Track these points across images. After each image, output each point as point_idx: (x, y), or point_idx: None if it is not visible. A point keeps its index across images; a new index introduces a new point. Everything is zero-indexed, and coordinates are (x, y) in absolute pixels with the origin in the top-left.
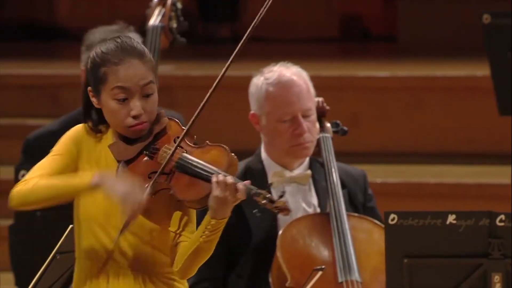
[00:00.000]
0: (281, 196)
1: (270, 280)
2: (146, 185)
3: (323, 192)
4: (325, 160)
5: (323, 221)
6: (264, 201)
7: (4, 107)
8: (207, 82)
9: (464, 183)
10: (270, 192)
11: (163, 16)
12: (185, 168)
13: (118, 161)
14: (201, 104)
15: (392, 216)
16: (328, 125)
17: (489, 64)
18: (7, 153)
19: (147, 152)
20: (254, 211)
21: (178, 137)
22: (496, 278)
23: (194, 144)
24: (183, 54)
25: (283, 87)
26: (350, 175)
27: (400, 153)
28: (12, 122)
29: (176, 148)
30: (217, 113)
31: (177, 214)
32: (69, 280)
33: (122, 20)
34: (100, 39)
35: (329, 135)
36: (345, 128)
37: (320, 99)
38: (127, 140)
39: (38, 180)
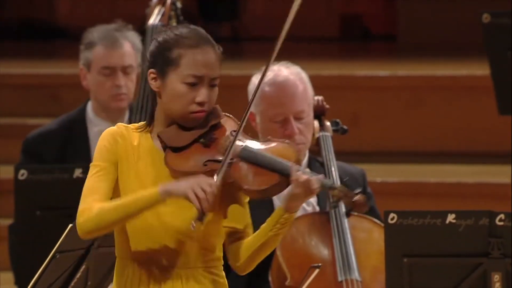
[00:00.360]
0: (355, 191)
1: (270, 279)
2: (215, 175)
3: (322, 191)
4: (324, 159)
5: (322, 220)
6: (341, 195)
7: (4, 107)
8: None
9: (464, 182)
10: (347, 186)
11: (162, 15)
12: (250, 158)
13: (165, 150)
14: (251, 98)
15: (392, 215)
16: (328, 124)
17: (489, 63)
18: (7, 152)
19: (203, 140)
20: (330, 204)
21: (234, 131)
22: (496, 277)
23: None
24: None
25: (278, 87)
26: (349, 174)
27: (400, 153)
28: (12, 121)
29: (237, 135)
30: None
31: (237, 211)
32: (69, 279)
33: (122, 20)
34: (98, 38)
35: (329, 134)
36: (345, 127)
37: (320, 97)
38: (181, 127)
39: (101, 206)
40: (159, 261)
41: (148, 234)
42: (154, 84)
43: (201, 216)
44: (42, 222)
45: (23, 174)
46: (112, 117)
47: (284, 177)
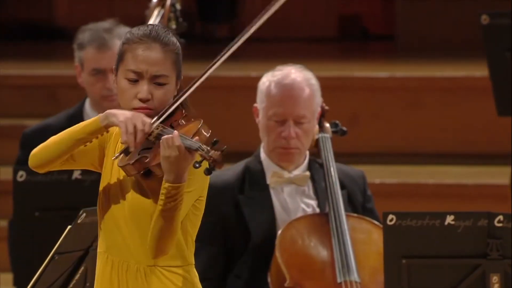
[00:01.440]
0: (221, 150)
1: (269, 280)
2: (133, 160)
3: (322, 192)
4: (324, 160)
5: (322, 221)
6: (200, 152)
7: (3, 107)
8: (206, 82)
9: (463, 183)
10: (215, 145)
11: (162, 17)
12: (159, 138)
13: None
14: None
15: (390, 216)
16: (327, 125)
17: (487, 64)
18: (6, 153)
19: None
20: (195, 163)
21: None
22: (495, 278)
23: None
24: (182, 54)
25: (283, 88)
26: (349, 176)
27: (399, 153)
28: (11, 122)
29: (162, 117)
30: (216, 112)
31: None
32: (68, 281)
33: (121, 21)
34: (88, 40)
35: (328, 135)
36: (344, 128)
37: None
38: None
39: (49, 139)
40: (126, 255)
41: (114, 226)
42: (114, 81)
43: (126, 150)
44: (40, 223)
45: (21, 175)
46: None
47: None
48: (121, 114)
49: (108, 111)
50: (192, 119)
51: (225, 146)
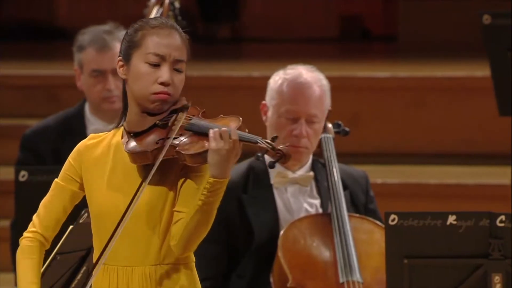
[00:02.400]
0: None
1: (271, 280)
2: (153, 148)
3: (325, 192)
4: (326, 161)
5: (324, 222)
6: (263, 145)
7: (4, 108)
8: (207, 82)
9: (464, 183)
10: (274, 140)
11: (161, 15)
12: (193, 128)
13: (128, 137)
14: None
15: (392, 216)
16: (330, 125)
17: (489, 64)
18: (7, 153)
19: (159, 122)
20: (258, 156)
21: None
22: (496, 278)
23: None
24: None
25: (297, 86)
26: (351, 176)
27: (400, 154)
28: (12, 122)
29: (185, 108)
30: (218, 112)
31: (189, 195)
32: (70, 281)
33: (121, 20)
34: (88, 41)
35: (330, 135)
36: (347, 128)
37: None
38: (147, 115)
39: (20, 257)
40: (125, 260)
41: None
42: (121, 72)
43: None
44: None
45: (23, 175)
46: (107, 116)
47: None
48: None
49: None
50: (221, 115)
51: (276, 136)
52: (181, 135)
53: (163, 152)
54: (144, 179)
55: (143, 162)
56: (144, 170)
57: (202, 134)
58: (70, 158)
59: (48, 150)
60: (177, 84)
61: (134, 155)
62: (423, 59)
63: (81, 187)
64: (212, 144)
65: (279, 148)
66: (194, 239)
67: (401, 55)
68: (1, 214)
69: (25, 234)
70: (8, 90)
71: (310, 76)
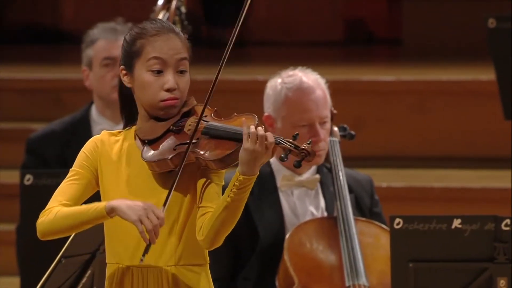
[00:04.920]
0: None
1: (277, 283)
2: (171, 155)
3: (331, 196)
4: (332, 164)
5: (330, 225)
6: (286, 146)
7: (8, 111)
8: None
9: (470, 187)
10: (295, 139)
11: (167, 20)
12: (211, 133)
13: (143, 145)
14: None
15: (397, 220)
16: (336, 129)
17: (494, 68)
18: (11, 157)
19: (173, 127)
20: (282, 157)
21: (205, 116)
22: (502, 282)
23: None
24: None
25: (303, 93)
26: (356, 180)
27: (405, 157)
28: (16, 126)
29: (202, 114)
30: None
31: (212, 191)
32: (75, 284)
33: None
34: (99, 33)
35: (336, 139)
36: (353, 132)
37: None
38: (157, 120)
39: (58, 210)
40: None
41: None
42: (126, 81)
43: (147, 248)
44: None
45: (28, 179)
46: (116, 114)
47: (240, 143)
48: (131, 210)
49: (112, 203)
50: (235, 114)
51: (297, 133)
52: (198, 139)
53: (184, 161)
54: (170, 188)
55: (162, 170)
56: (163, 175)
57: (221, 137)
58: (85, 150)
59: (53, 156)
60: (182, 87)
61: (153, 163)
62: (428, 63)
63: (96, 181)
64: (247, 144)
65: (303, 147)
66: (222, 234)
67: (405, 59)
68: (6, 218)
69: (42, 212)
70: (13, 93)
71: (310, 80)
